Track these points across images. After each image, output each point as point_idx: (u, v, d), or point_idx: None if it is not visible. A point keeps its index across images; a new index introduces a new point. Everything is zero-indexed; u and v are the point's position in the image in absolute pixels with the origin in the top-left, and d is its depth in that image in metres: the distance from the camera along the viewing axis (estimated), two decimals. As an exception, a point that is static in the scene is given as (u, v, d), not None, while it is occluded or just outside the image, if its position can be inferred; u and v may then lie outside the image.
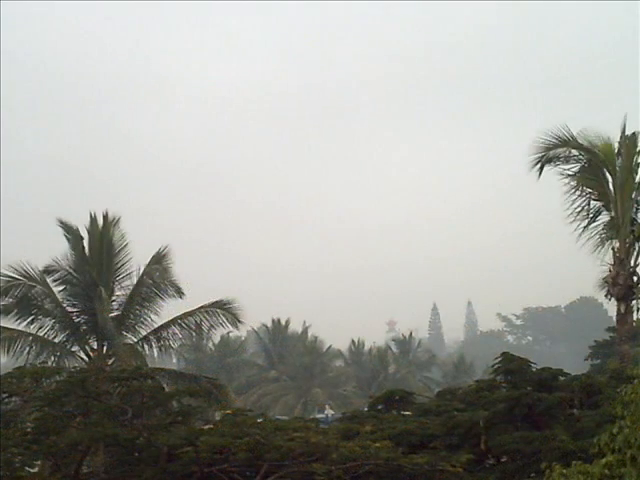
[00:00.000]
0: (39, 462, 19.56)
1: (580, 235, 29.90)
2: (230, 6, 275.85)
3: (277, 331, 77.10)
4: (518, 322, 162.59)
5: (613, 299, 28.84)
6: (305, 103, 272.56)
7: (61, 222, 28.38)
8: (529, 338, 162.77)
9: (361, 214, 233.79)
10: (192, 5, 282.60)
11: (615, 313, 29.60)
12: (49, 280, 27.84)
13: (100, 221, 28.64)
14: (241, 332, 61.32)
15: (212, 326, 29.24)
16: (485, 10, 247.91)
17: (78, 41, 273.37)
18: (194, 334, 31.84)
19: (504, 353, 22.67)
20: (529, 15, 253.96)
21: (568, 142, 29.67)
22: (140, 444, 19.24)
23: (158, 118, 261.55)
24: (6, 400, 19.87)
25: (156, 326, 28.70)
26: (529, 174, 29.86)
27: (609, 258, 29.17)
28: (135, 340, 28.53)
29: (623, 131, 29.40)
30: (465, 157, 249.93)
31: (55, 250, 28.32)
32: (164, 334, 28.67)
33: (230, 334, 68.51)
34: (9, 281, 26.90)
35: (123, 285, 28.83)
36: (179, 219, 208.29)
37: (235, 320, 28.83)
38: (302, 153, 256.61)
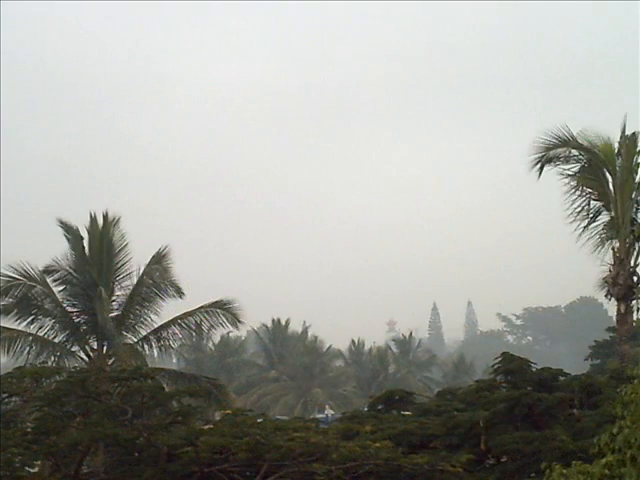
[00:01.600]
0: (39, 462, 19.56)
1: (580, 235, 29.97)
2: (230, 6, 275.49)
3: (277, 331, 77.04)
4: (518, 322, 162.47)
5: (613, 299, 28.85)
6: (305, 103, 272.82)
7: (61, 222, 28.41)
8: (529, 338, 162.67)
9: (361, 214, 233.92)
10: (192, 5, 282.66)
11: (615, 313, 29.63)
12: (49, 280, 27.86)
13: (100, 221, 28.65)
14: (241, 332, 61.48)
15: (212, 326, 29.27)
16: (485, 10, 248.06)
17: (78, 41, 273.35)
18: (194, 334, 31.83)
19: (504, 353, 22.69)
20: (529, 15, 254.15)
21: (568, 142, 29.67)
22: (140, 444, 19.25)
23: (158, 118, 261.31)
24: (6, 400, 19.88)
25: (156, 326, 28.73)
26: (529, 174, 29.93)
27: (609, 258, 29.20)
28: (135, 340, 28.55)
29: (623, 131, 29.42)
30: (465, 157, 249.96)
31: (55, 250, 28.39)
32: (164, 334, 28.69)
33: (230, 334, 68.57)
34: (9, 281, 26.91)
35: (123, 285, 28.89)
36: (179, 219, 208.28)
37: (235, 320, 28.85)
38: (302, 153, 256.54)
